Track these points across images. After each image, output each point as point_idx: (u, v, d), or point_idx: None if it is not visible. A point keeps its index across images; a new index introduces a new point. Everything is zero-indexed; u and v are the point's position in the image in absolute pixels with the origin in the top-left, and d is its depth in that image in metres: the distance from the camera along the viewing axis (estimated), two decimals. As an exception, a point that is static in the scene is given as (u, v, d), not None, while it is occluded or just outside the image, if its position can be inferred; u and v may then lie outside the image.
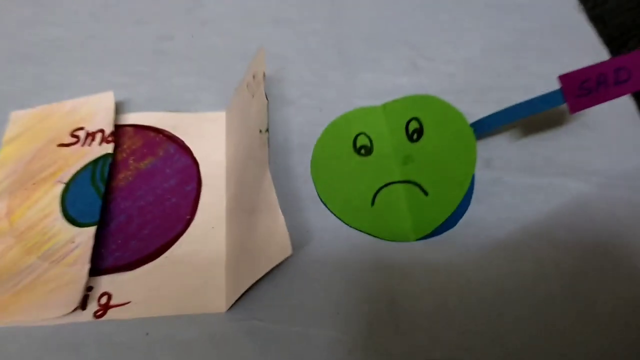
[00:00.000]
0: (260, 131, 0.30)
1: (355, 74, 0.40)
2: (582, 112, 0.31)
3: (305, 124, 0.36)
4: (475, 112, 0.36)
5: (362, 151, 0.35)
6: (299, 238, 0.31)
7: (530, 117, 0.37)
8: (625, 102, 0.38)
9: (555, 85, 0.30)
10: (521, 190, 0.34)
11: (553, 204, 0.33)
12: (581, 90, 0.31)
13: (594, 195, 0.34)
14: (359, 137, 0.36)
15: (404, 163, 0.35)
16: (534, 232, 0.32)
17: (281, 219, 0.26)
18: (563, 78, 0.31)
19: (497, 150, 0.36)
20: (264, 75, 0.31)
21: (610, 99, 0.30)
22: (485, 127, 0.34)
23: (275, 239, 0.26)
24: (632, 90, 0.30)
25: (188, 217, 0.32)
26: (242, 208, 0.31)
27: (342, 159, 0.35)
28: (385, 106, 0.37)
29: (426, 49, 0.42)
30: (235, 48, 0.41)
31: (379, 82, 0.39)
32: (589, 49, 0.42)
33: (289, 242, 0.25)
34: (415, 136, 0.35)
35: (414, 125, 0.35)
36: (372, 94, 0.39)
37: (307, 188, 0.34)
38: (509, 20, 0.44)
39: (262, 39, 0.41)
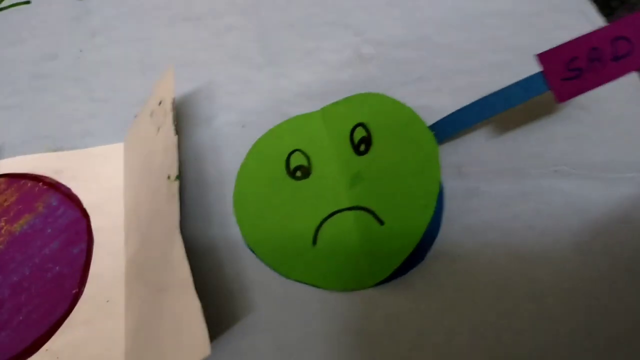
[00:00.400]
0: (169, 177, 0.23)
1: (285, 74, 0.32)
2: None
3: (225, 148, 0.29)
4: (439, 104, 0.28)
5: (298, 173, 0.28)
6: (221, 314, 0.24)
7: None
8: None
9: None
10: (504, 200, 0.26)
11: (546, 213, 0.26)
12: (569, 71, 0.23)
13: (598, 196, 0.26)
14: (293, 156, 0.28)
15: (351, 184, 0.27)
16: (525, 256, 0.25)
17: (197, 304, 0.19)
18: (543, 57, 0.23)
19: (470, 151, 0.28)
20: (174, 102, 0.24)
21: (609, 80, 0.22)
22: (448, 130, 0.26)
23: (188, 331, 0.19)
24: (638, 67, 0.22)
25: (75, 290, 0.25)
26: (147, 281, 0.23)
27: (273, 188, 0.27)
28: (324, 111, 0.29)
29: (372, 31, 0.34)
30: (134, 59, 0.33)
31: (316, 81, 0.31)
32: (575, 12, 0.34)
33: (206, 338, 0.18)
34: (362, 147, 0.27)
35: (360, 133, 0.28)
36: (307, 96, 0.31)
37: (230, 232, 0.26)
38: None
39: (166, 43, 0.33)
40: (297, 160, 0.28)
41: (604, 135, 0.28)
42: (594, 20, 0.33)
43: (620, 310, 0.23)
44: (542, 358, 0.22)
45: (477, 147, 0.28)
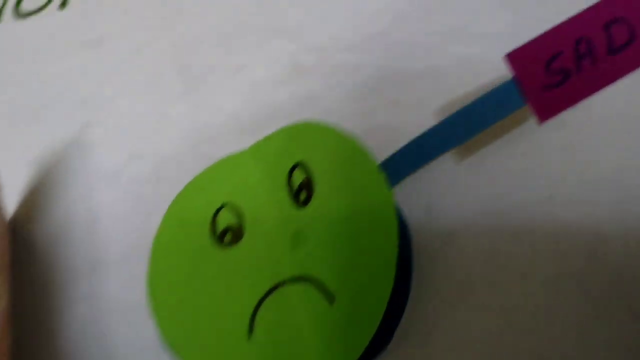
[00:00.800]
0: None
1: (208, 102, 0.26)
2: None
3: (135, 212, 0.23)
4: (399, 121, 0.23)
5: (227, 238, 0.22)
6: None
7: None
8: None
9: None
10: (490, 247, 0.20)
11: (545, 257, 0.20)
12: (551, 75, 0.17)
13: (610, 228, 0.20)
14: (220, 214, 0.22)
15: (293, 246, 0.21)
16: (526, 322, 0.19)
17: None
18: (514, 58, 0.17)
19: (440, 182, 0.22)
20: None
21: (606, 84, 0.16)
22: (404, 167, 0.20)
23: None
24: None
25: None
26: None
27: (197, 262, 0.22)
28: (254, 149, 0.23)
29: (311, 34, 0.27)
30: (21, 104, 0.26)
31: (247, 107, 0.25)
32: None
33: None
34: (303, 196, 0.21)
35: (299, 176, 0.22)
36: (237, 129, 0.25)
37: (142, 328, 0.20)
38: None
39: (63, 77, 0.27)
40: (225, 219, 0.22)
41: (606, 141, 0.22)
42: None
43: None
44: None
45: (449, 175, 0.22)
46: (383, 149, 0.23)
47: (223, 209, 0.22)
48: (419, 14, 0.27)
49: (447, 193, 0.22)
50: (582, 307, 0.19)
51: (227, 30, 0.28)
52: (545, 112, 0.17)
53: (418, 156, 0.19)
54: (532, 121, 0.22)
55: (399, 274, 0.19)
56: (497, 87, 0.18)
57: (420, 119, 0.23)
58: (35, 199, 0.24)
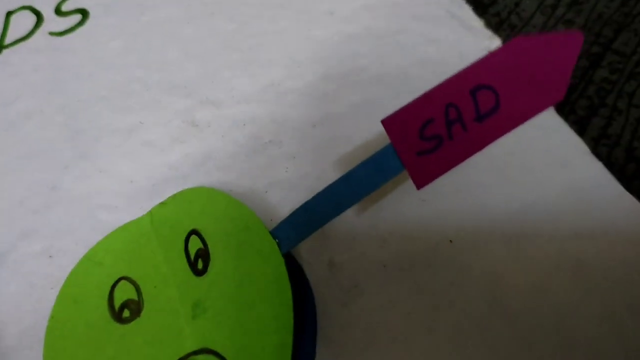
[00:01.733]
0: None
1: (101, 168, 0.25)
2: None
3: (27, 294, 0.21)
4: (299, 174, 0.23)
5: (126, 313, 0.21)
6: None
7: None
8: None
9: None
10: (396, 298, 0.20)
11: (459, 307, 0.20)
12: (425, 141, 0.17)
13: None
14: (117, 288, 0.21)
15: (193, 316, 0.20)
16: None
17: None
18: (389, 123, 0.17)
19: (341, 238, 0.22)
20: None
21: (474, 152, 0.16)
22: (294, 234, 0.19)
23: None
24: (508, 129, 0.16)
25: None
26: None
27: (95, 342, 0.20)
28: (151, 215, 0.22)
29: (206, 87, 0.27)
30: None
31: (141, 170, 0.24)
32: (444, 18, 0.28)
33: None
34: (200, 264, 0.21)
35: (195, 244, 0.21)
36: (133, 195, 0.24)
37: None
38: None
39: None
40: (123, 293, 0.21)
41: (502, 179, 0.22)
42: (471, 24, 0.27)
43: None
44: None
45: (350, 227, 0.22)
46: (285, 204, 0.23)
47: (120, 283, 0.21)
48: (312, 60, 0.27)
49: (349, 246, 0.22)
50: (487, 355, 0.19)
51: (117, 89, 0.27)
52: (422, 178, 0.17)
53: (306, 223, 0.19)
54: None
55: (300, 336, 0.19)
56: (378, 151, 0.18)
57: (321, 173, 0.23)
58: None
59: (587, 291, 0.20)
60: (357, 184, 0.18)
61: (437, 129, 0.16)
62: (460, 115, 0.16)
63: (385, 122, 0.17)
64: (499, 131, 0.16)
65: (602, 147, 0.25)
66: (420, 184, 0.16)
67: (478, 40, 0.26)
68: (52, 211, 0.24)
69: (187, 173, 0.24)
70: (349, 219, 0.22)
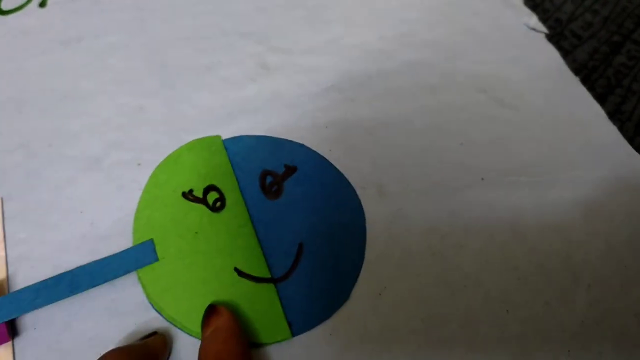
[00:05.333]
0: None
1: (181, 97, 0.28)
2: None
3: (119, 193, 0.25)
4: (355, 116, 0.26)
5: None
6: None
7: (426, 108, 0.27)
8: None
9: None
10: (431, 221, 0.24)
11: (476, 230, 0.24)
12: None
13: (528, 204, 0.24)
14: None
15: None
16: (459, 281, 0.23)
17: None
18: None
19: (389, 168, 0.26)
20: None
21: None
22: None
23: None
24: None
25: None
26: None
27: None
28: (224, 140, 0.26)
29: (276, 37, 0.30)
30: (6, 96, 0.28)
31: (217, 102, 0.28)
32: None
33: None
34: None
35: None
36: (209, 121, 0.27)
37: (125, 293, 0.23)
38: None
39: (44, 73, 0.29)
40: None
41: (531, 134, 0.26)
42: (510, 2, 0.31)
43: (555, 324, 0.22)
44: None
45: (399, 163, 0.26)
46: (338, 143, 0.27)
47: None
48: (370, 22, 0.31)
49: (396, 176, 0.26)
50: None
51: (197, 33, 0.31)
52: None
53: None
54: (465, 121, 0.26)
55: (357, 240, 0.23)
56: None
57: (372, 114, 0.27)
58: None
59: (595, 231, 0.24)
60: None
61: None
62: None
63: None
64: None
65: (616, 120, 0.29)
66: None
67: (517, 16, 0.30)
68: (140, 129, 0.27)
69: (258, 106, 0.28)
70: (398, 156, 0.26)
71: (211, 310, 0.21)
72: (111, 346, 0.20)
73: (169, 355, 0.21)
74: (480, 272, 0.23)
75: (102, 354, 0.19)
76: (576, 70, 0.30)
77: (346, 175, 0.26)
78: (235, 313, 0.22)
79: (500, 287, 0.23)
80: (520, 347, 0.21)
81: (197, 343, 0.21)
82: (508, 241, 0.24)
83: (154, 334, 0.22)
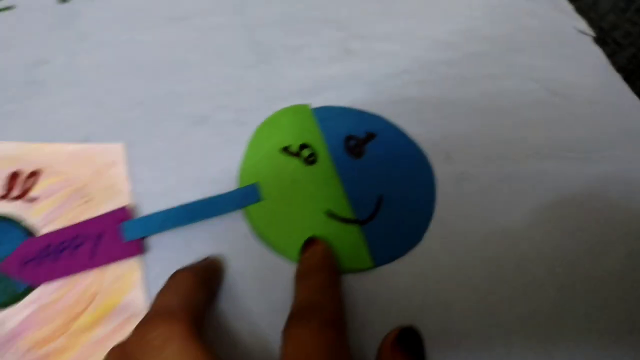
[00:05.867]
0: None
1: (275, 71, 0.33)
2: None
3: (225, 146, 0.30)
4: (424, 94, 0.30)
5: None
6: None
7: (487, 92, 0.31)
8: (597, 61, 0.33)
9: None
10: (491, 182, 0.29)
11: (529, 192, 0.28)
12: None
13: (575, 174, 0.29)
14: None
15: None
16: (513, 231, 0.27)
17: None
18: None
19: (457, 139, 0.30)
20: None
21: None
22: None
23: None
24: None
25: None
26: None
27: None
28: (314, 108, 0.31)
29: (355, 26, 0.35)
30: (125, 62, 0.33)
31: (306, 76, 0.33)
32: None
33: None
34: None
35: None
36: (299, 92, 0.32)
37: (233, 225, 0.27)
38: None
39: (157, 44, 0.34)
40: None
41: (578, 118, 0.30)
42: (562, 7, 0.36)
43: (597, 276, 0.26)
44: (528, 321, 0.25)
45: (464, 135, 0.30)
46: (411, 116, 0.31)
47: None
48: (438, 17, 0.35)
49: (462, 145, 0.30)
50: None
51: (288, 18, 0.36)
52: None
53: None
54: (522, 104, 0.31)
55: (428, 192, 0.27)
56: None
57: (439, 94, 0.32)
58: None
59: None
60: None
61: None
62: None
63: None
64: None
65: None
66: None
67: (569, 20, 0.35)
68: (241, 95, 0.32)
69: (341, 83, 0.32)
70: (465, 129, 0.30)
71: (310, 240, 0.26)
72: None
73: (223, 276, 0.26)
74: (532, 225, 0.27)
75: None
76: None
77: (418, 143, 0.30)
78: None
79: (550, 238, 0.27)
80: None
81: (292, 267, 0.25)
82: (558, 202, 0.28)
83: (206, 259, 0.26)
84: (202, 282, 0.23)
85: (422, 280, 0.26)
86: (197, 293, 0.22)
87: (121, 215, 0.27)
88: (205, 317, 0.23)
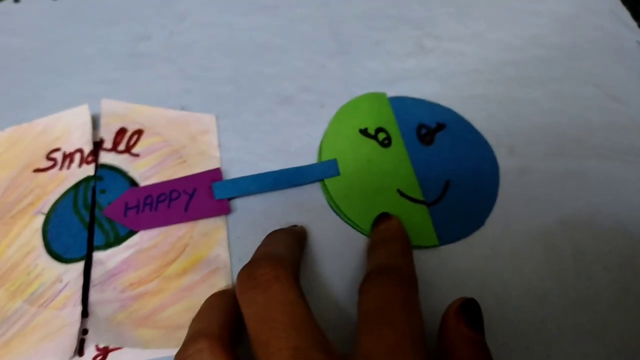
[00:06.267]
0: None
1: (355, 61, 0.36)
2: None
3: (307, 124, 0.33)
4: (492, 92, 0.33)
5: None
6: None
7: (551, 93, 0.33)
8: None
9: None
10: (551, 177, 0.31)
11: (587, 188, 0.30)
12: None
13: (632, 175, 0.31)
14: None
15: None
16: (571, 224, 0.29)
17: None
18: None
19: (520, 135, 0.32)
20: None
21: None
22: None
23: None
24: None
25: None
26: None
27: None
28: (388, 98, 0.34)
29: (430, 26, 0.38)
30: (219, 42, 0.36)
31: (383, 68, 0.35)
32: (607, 13, 0.38)
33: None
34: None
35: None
36: (376, 81, 0.35)
37: (310, 196, 0.30)
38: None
39: (248, 28, 0.37)
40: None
41: (637, 124, 0.32)
42: (627, 22, 0.38)
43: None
44: (582, 307, 0.27)
45: (527, 132, 0.33)
46: (479, 111, 0.33)
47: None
48: (508, 22, 0.38)
49: (525, 141, 0.32)
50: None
51: (368, 14, 0.39)
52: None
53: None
54: (583, 108, 0.33)
55: (492, 182, 0.30)
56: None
57: (505, 92, 0.34)
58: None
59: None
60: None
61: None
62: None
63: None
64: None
65: None
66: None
67: (632, 35, 0.37)
68: (322, 80, 0.35)
69: (414, 76, 0.35)
70: (528, 127, 0.33)
71: (384, 215, 0.29)
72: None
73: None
74: (590, 219, 0.29)
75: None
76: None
77: (484, 136, 0.32)
78: None
79: (606, 231, 0.29)
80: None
81: (362, 238, 0.28)
82: (615, 200, 0.30)
83: (296, 226, 0.29)
84: (298, 243, 0.26)
85: (482, 262, 0.28)
86: (295, 250, 0.25)
87: (214, 175, 0.30)
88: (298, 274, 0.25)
